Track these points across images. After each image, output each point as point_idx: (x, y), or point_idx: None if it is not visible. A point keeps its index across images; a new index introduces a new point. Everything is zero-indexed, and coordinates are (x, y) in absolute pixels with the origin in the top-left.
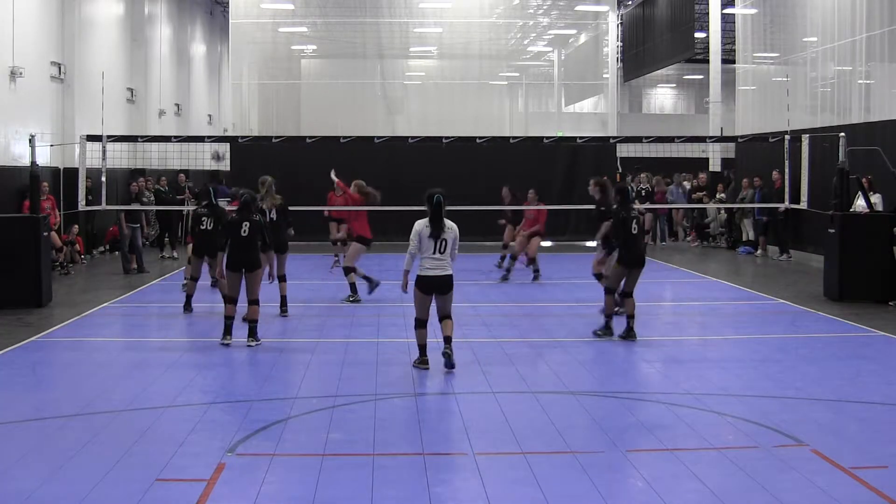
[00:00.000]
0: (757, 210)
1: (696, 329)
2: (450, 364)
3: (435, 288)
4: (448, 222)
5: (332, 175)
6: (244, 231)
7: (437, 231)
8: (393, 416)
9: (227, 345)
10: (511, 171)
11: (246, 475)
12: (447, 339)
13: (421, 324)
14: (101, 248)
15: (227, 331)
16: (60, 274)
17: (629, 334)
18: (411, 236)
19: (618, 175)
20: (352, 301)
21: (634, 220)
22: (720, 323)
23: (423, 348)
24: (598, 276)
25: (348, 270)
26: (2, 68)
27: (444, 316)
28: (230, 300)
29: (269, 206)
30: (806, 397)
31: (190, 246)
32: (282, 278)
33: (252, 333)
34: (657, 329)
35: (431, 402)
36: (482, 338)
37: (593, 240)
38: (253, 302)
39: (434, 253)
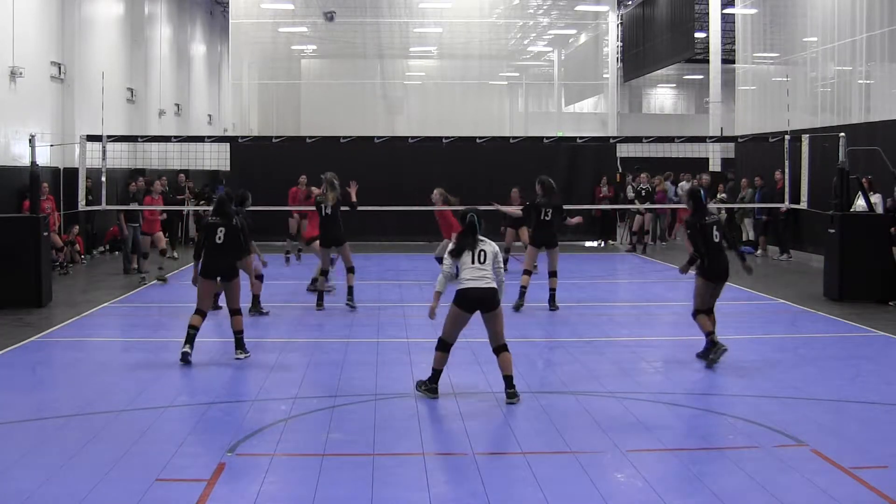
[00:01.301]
0: (757, 210)
1: (696, 329)
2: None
3: (478, 303)
4: (485, 238)
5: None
6: (219, 237)
7: (470, 243)
8: (393, 416)
9: (187, 353)
10: (511, 171)
11: (246, 475)
12: (508, 380)
13: (444, 346)
14: (101, 248)
15: (188, 339)
16: (60, 274)
17: (714, 350)
18: (445, 255)
19: (618, 175)
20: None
21: (714, 227)
22: (720, 323)
23: (436, 374)
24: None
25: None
26: (2, 68)
27: (500, 347)
28: (198, 310)
29: (330, 202)
30: (806, 397)
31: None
32: (350, 269)
33: (239, 345)
34: (657, 329)
35: (431, 402)
36: (482, 338)
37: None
38: (235, 312)
39: (473, 263)
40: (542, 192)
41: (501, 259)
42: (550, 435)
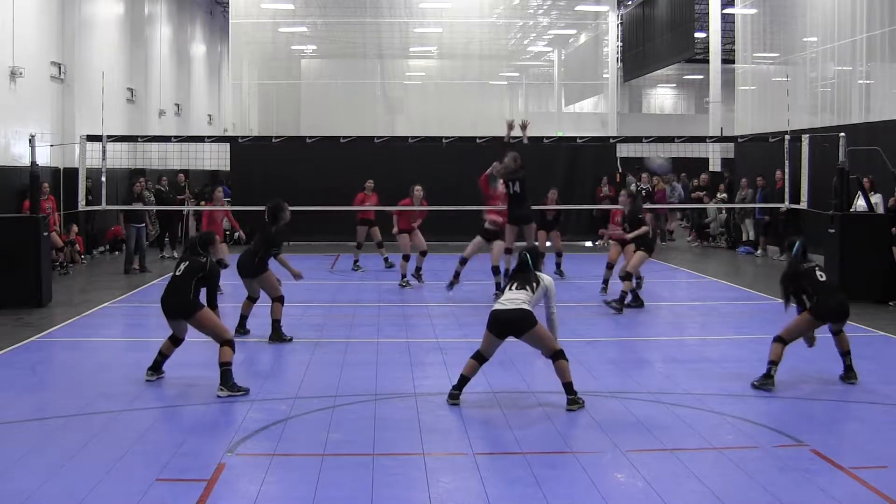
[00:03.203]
0: (758, 210)
1: (696, 329)
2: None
3: (505, 326)
4: (540, 275)
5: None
6: (178, 270)
7: (518, 279)
8: (393, 416)
9: (150, 381)
10: None
11: (246, 475)
12: (566, 387)
13: (479, 358)
14: (101, 248)
15: (155, 366)
16: (60, 274)
17: (765, 382)
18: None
19: (618, 175)
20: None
21: (816, 269)
22: (720, 323)
23: (463, 380)
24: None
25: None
26: (2, 68)
27: (551, 356)
28: (172, 337)
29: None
30: (806, 397)
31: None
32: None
33: (224, 380)
34: (657, 329)
35: (431, 402)
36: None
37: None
38: (224, 343)
39: (509, 290)
40: (632, 202)
41: (553, 293)
42: (550, 435)
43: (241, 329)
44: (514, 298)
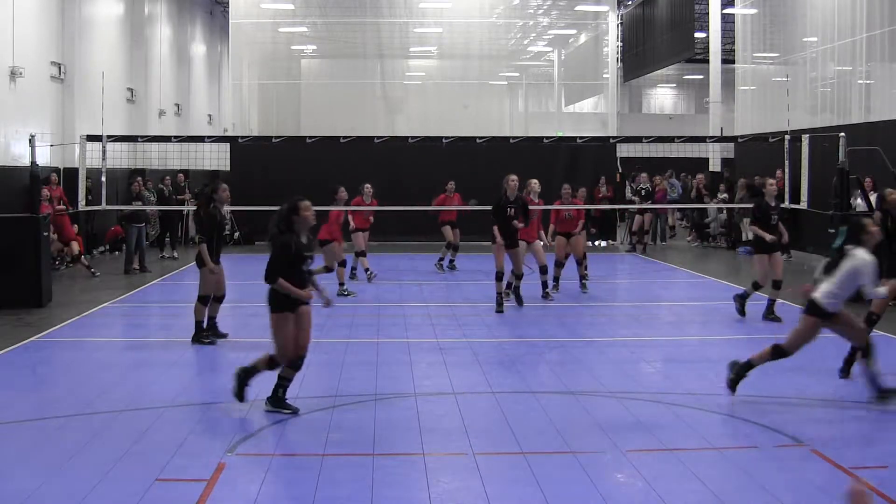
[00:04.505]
0: None
1: (696, 329)
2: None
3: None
4: (852, 254)
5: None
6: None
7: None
8: (393, 416)
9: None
10: (511, 171)
11: (246, 475)
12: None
13: (776, 349)
14: (102, 248)
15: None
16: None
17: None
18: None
19: (618, 175)
20: None
21: None
22: (720, 323)
23: (748, 366)
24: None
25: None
26: (2, 68)
27: (857, 346)
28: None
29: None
30: (806, 397)
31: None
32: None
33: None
34: (657, 329)
35: (431, 402)
36: (482, 338)
37: None
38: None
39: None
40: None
41: (864, 271)
42: (550, 435)
43: (211, 334)
44: (821, 287)
